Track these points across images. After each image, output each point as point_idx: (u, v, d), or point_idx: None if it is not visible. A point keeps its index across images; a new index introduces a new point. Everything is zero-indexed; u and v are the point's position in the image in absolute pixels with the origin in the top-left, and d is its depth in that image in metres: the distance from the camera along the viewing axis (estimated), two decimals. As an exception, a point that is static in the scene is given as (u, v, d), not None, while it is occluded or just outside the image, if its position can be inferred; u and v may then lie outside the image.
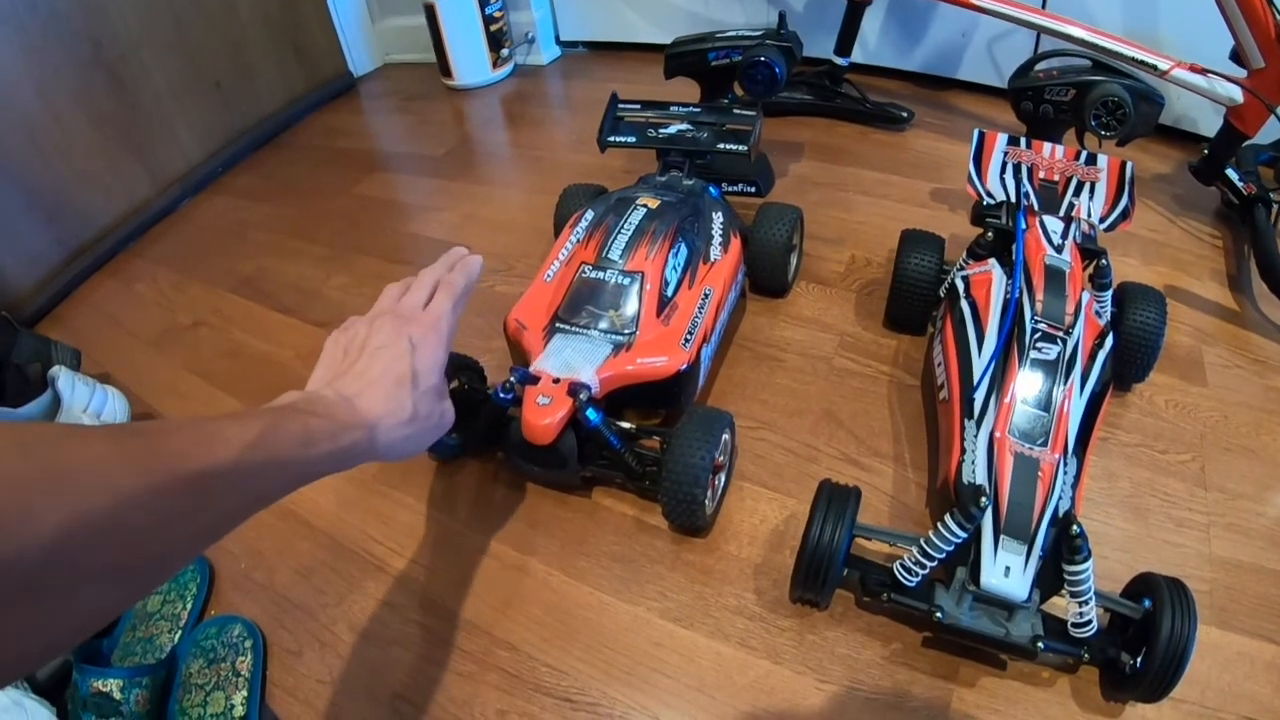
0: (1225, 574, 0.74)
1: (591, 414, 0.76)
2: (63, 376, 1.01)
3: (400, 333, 0.59)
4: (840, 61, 1.56)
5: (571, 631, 0.75)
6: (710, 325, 0.89)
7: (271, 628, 0.80)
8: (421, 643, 0.76)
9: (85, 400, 1.02)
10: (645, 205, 0.96)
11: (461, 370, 0.88)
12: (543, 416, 0.75)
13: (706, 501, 0.76)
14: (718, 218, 1.01)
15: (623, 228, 0.92)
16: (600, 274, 0.88)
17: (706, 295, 0.90)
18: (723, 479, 0.84)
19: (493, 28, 1.97)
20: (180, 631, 0.80)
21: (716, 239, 0.98)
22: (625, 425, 0.82)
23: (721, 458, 0.80)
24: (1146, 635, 0.61)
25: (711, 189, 1.07)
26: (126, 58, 1.53)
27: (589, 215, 0.98)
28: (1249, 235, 1.13)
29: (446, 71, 2.03)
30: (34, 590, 0.29)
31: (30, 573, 0.29)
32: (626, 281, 0.87)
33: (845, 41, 1.53)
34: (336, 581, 0.83)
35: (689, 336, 0.84)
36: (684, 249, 0.92)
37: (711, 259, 0.96)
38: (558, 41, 2.17)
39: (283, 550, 0.87)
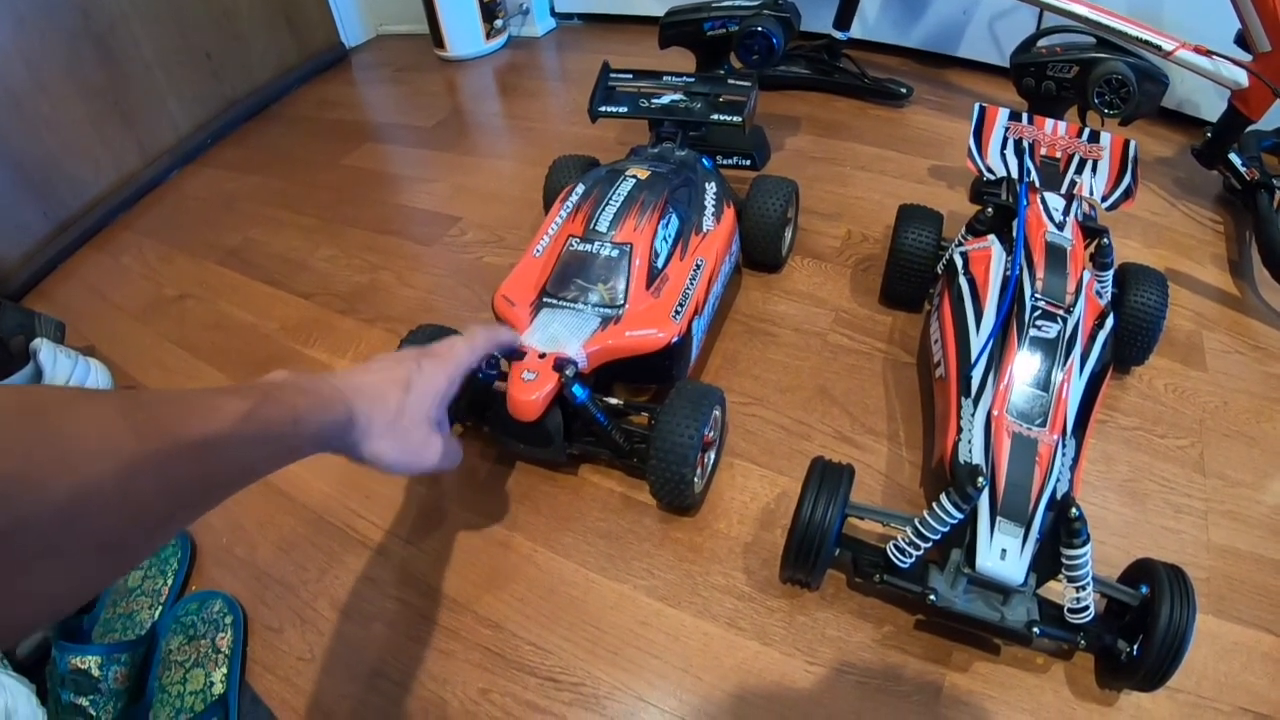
0: (1223, 562, 0.73)
1: (578, 390, 0.74)
2: (44, 349, 1.00)
3: (412, 354, 0.63)
4: (839, 35, 1.53)
5: (556, 609, 0.74)
6: (702, 297, 0.87)
7: (252, 604, 0.78)
8: (403, 619, 0.75)
9: (67, 372, 1.00)
10: (634, 176, 0.93)
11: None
12: (528, 392, 0.73)
13: (695, 480, 0.75)
14: (710, 188, 0.99)
15: (611, 199, 0.90)
16: (588, 246, 0.86)
17: (698, 266, 0.88)
18: (713, 456, 0.83)
19: (486, -1, 1.94)
20: (160, 607, 0.79)
21: (709, 209, 0.96)
22: (613, 401, 0.81)
23: (711, 434, 0.78)
24: (1144, 623, 0.60)
25: (705, 159, 1.05)
26: (116, 28, 1.51)
27: (579, 189, 0.95)
28: (1251, 221, 1.11)
29: (439, 43, 2.00)
30: (42, 557, 0.30)
31: (39, 539, 0.29)
32: (615, 253, 0.85)
33: (844, 15, 1.51)
34: (318, 557, 0.82)
35: (680, 308, 0.83)
36: (674, 219, 0.90)
37: (704, 230, 0.94)
38: (553, 13, 2.15)
39: (264, 525, 0.86)
